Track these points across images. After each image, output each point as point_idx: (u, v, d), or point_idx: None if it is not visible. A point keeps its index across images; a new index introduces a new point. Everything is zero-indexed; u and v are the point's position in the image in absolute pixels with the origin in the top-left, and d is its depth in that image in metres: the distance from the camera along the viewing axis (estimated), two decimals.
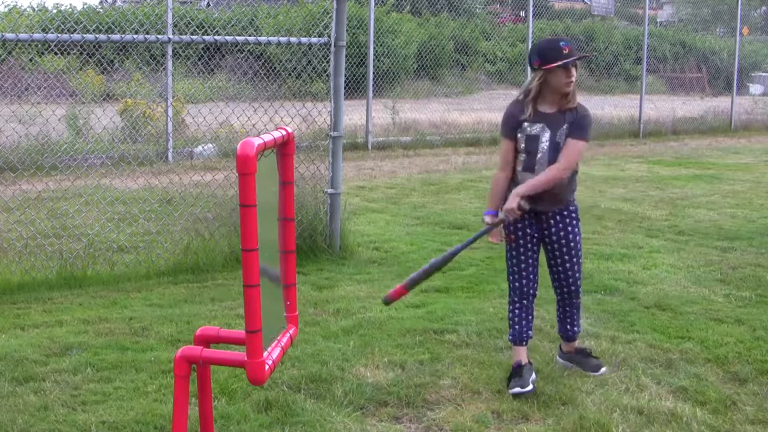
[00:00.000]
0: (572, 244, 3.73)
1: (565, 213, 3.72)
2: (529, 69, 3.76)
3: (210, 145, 10.91)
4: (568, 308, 3.88)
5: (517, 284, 3.78)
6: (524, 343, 3.80)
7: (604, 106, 17.18)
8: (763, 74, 27.18)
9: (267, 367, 2.52)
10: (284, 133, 2.75)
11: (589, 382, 3.78)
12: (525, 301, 3.79)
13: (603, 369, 3.88)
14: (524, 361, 3.74)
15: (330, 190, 6.17)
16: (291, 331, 2.89)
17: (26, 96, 11.06)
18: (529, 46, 14.77)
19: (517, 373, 3.68)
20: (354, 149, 12.58)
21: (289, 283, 2.91)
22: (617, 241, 6.76)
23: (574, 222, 3.74)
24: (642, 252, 6.37)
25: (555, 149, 3.61)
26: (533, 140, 3.62)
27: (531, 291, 3.79)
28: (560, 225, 3.72)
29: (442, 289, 5.30)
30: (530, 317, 3.82)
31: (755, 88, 25.92)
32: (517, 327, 3.80)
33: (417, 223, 7.44)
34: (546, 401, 3.59)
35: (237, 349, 2.89)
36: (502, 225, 3.69)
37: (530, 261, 3.76)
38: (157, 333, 4.41)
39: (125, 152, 9.60)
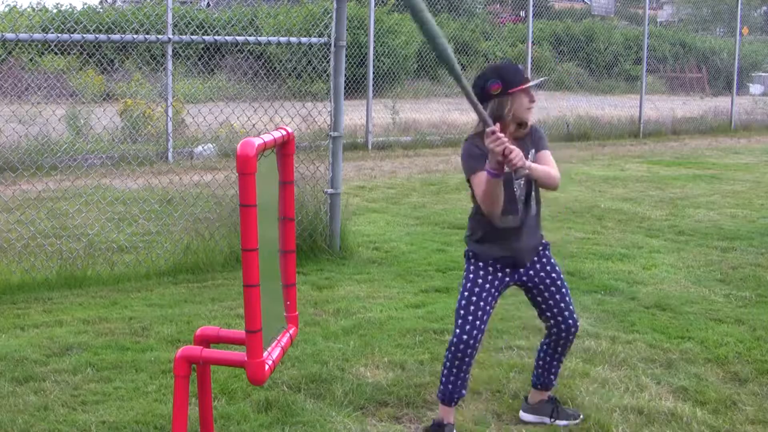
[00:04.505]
0: (560, 274, 3.30)
1: (543, 244, 3.31)
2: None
3: (210, 145, 10.91)
4: (560, 349, 3.36)
5: (464, 336, 3.15)
6: (454, 404, 3.27)
7: (604, 106, 17.19)
8: (763, 74, 27.20)
9: (267, 367, 2.52)
10: (284, 133, 2.75)
11: (588, 382, 3.78)
12: (467, 359, 3.19)
13: (582, 416, 3.42)
14: (447, 420, 3.27)
15: (330, 190, 6.17)
16: (291, 331, 2.89)
17: (26, 96, 11.07)
18: (530, 46, 14.78)
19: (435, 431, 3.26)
20: (354, 149, 12.58)
21: (289, 283, 2.91)
22: (617, 241, 6.76)
23: (549, 254, 3.32)
24: (642, 252, 6.37)
25: (530, 180, 3.16)
26: (507, 176, 3.04)
27: (477, 345, 3.19)
28: (544, 260, 3.29)
29: (442, 289, 5.30)
30: (467, 376, 3.25)
31: (755, 88, 25.95)
32: (450, 386, 3.22)
33: (417, 223, 7.44)
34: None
35: (237, 349, 2.89)
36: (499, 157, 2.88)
37: (485, 316, 3.18)
38: (157, 333, 4.41)
39: (125, 152, 9.60)
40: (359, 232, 6.87)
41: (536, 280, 3.28)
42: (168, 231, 6.28)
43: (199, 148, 10.84)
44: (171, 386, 3.18)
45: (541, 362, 3.44)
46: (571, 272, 5.72)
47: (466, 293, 3.21)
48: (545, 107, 15.78)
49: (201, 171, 9.03)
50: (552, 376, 3.45)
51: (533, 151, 3.18)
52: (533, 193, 3.24)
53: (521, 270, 3.26)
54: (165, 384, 3.69)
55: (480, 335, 3.19)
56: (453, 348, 3.20)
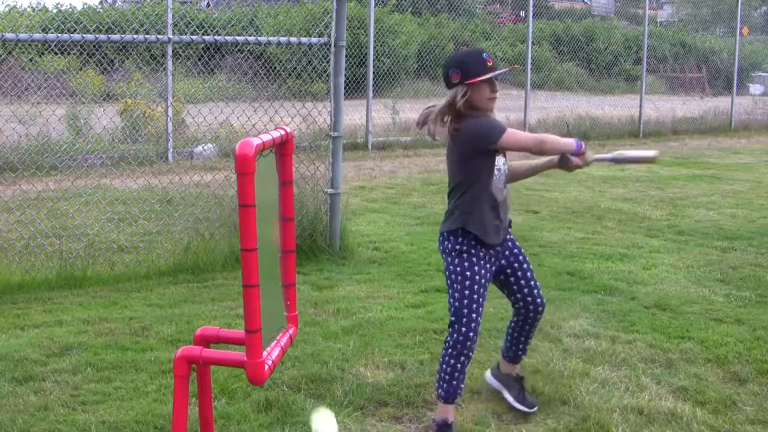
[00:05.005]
0: (524, 254, 3.41)
1: (510, 230, 3.41)
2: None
3: (210, 145, 10.91)
4: (528, 327, 3.45)
5: (471, 333, 3.21)
6: (455, 401, 3.31)
7: (604, 106, 17.19)
8: (763, 74, 27.20)
9: (267, 367, 2.52)
10: (283, 132, 2.75)
11: (588, 382, 3.78)
12: (471, 353, 3.25)
13: (536, 409, 3.47)
14: (451, 419, 3.29)
15: (330, 190, 6.17)
16: (291, 331, 2.89)
17: (26, 96, 11.07)
18: (530, 46, 14.78)
19: (441, 430, 3.27)
20: (354, 149, 12.58)
21: (289, 283, 2.91)
22: (617, 241, 6.76)
23: (513, 236, 3.43)
24: (642, 252, 6.37)
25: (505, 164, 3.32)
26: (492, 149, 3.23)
27: (476, 339, 3.26)
28: (512, 240, 3.39)
29: (442, 289, 5.29)
30: (466, 370, 3.30)
31: (755, 88, 25.95)
32: (454, 383, 3.24)
33: (417, 223, 7.43)
34: (546, 401, 3.59)
35: (237, 349, 2.89)
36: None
37: (483, 305, 3.27)
38: (157, 333, 4.41)
39: (125, 152, 9.60)
40: (359, 232, 6.87)
41: (511, 259, 3.37)
42: (168, 231, 6.28)
43: (199, 148, 10.84)
44: (171, 386, 3.18)
45: (509, 338, 3.54)
46: (571, 272, 5.72)
47: (466, 291, 3.23)
48: (545, 107, 15.78)
49: (201, 171, 9.03)
50: (520, 352, 3.55)
51: None
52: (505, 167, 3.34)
53: (499, 254, 3.33)
54: (165, 384, 3.69)
55: (479, 327, 3.26)
56: (459, 346, 3.21)
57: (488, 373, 3.64)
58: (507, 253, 3.36)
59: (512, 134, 3.17)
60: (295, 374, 3.82)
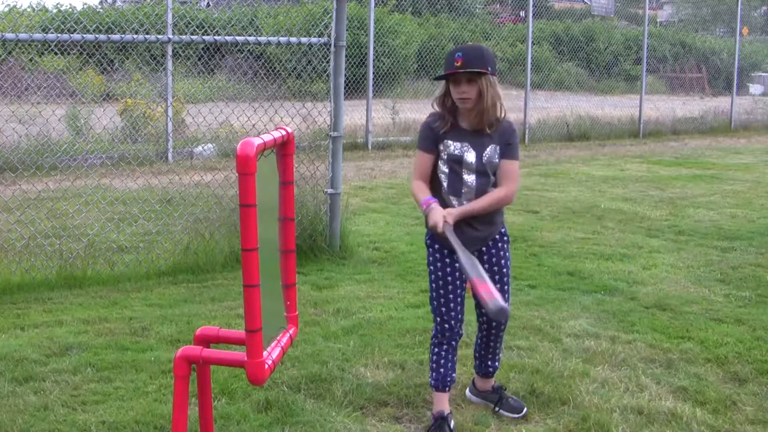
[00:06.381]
0: (505, 269, 3.37)
1: (497, 237, 3.35)
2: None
3: (210, 145, 10.91)
4: (492, 341, 3.50)
5: (446, 325, 3.32)
6: (448, 389, 3.39)
7: (604, 106, 17.19)
8: (763, 74, 27.21)
9: (267, 366, 2.52)
10: (284, 133, 2.75)
11: (588, 382, 3.78)
12: (453, 342, 3.35)
13: (525, 410, 3.50)
14: (447, 410, 3.37)
15: (330, 190, 6.17)
16: (291, 331, 2.89)
17: (26, 96, 11.07)
18: (530, 46, 14.80)
19: (440, 426, 3.31)
20: (354, 149, 12.58)
21: (289, 283, 2.91)
22: (617, 241, 6.76)
23: (506, 246, 3.38)
24: (642, 252, 6.37)
25: (482, 173, 3.23)
26: (456, 161, 3.21)
27: (459, 331, 3.36)
28: (493, 251, 3.34)
29: None
30: (455, 359, 3.40)
31: (755, 88, 25.95)
32: (441, 370, 3.36)
33: (417, 223, 7.43)
34: (546, 401, 3.59)
35: (237, 349, 2.89)
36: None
37: (459, 299, 3.32)
38: (157, 333, 4.41)
39: (125, 152, 9.61)
40: (359, 232, 6.87)
41: (485, 266, 3.29)
42: (168, 231, 6.28)
43: (199, 148, 10.84)
44: (171, 386, 3.19)
45: (477, 354, 3.58)
46: (571, 272, 5.73)
47: (433, 285, 3.34)
48: (545, 107, 15.78)
49: (201, 171, 9.02)
50: (491, 368, 3.57)
51: (493, 147, 3.22)
52: (487, 188, 3.25)
53: (474, 253, 3.26)
54: (165, 384, 3.69)
55: (456, 319, 3.32)
56: (440, 335, 3.36)
57: (467, 392, 3.67)
58: (485, 257, 3.32)
59: (417, 157, 3.28)
60: (295, 374, 3.82)
